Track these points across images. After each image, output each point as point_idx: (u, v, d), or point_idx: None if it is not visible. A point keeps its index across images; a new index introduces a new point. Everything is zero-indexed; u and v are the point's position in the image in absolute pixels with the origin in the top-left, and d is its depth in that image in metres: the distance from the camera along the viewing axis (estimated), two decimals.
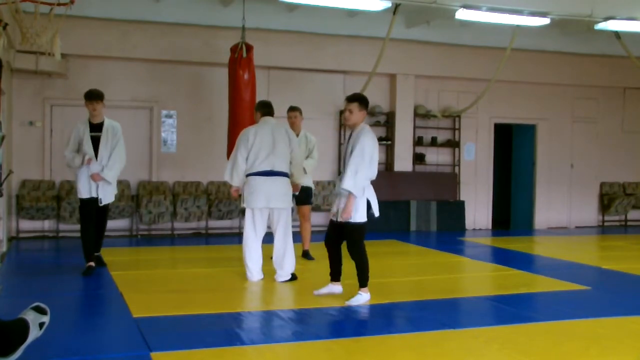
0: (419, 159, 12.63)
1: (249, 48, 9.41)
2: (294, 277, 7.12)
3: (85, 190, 7.34)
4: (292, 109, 8.48)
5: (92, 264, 7.33)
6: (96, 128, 7.45)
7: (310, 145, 8.45)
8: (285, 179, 6.98)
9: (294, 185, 7.13)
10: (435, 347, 4.77)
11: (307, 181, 8.37)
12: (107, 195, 7.46)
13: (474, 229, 13.04)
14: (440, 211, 12.49)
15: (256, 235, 7.02)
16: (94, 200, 7.35)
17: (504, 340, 4.94)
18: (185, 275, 7.47)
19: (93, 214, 7.40)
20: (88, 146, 7.31)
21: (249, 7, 9.79)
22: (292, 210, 7.56)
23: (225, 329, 5.11)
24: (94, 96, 7.40)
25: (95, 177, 7.31)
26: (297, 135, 8.38)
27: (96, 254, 7.56)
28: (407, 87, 12.41)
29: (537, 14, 9.68)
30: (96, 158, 7.28)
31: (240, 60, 9.30)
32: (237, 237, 10.80)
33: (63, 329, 4.79)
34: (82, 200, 7.38)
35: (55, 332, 4.29)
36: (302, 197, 8.37)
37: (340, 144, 12.20)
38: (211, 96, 11.16)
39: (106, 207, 7.58)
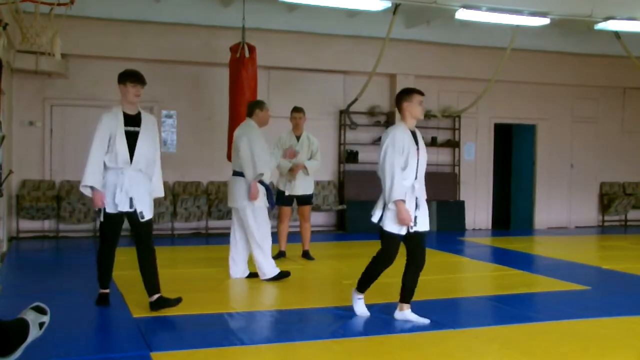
0: None
1: (252, 49, 9.41)
2: (277, 277, 6.99)
3: (112, 202, 5.57)
4: (297, 109, 8.44)
5: (108, 290, 5.89)
6: (132, 121, 5.68)
7: (313, 147, 8.41)
8: (240, 178, 6.95)
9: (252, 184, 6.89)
10: (435, 347, 4.77)
11: (308, 182, 8.37)
12: (147, 206, 5.65)
13: (474, 229, 13.03)
14: (440, 211, 12.48)
15: (234, 233, 7.13)
16: (122, 217, 5.68)
17: (504, 340, 4.94)
18: (185, 275, 7.47)
19: (118, 235, 5.80)
20: (121, 144, 5.56)
21: (249, 7, 9.79)
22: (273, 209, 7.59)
23: (225, 329, 5.11)
24: (141, 78, 5.71)
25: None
26: (299, 136, 8.38)
27: (156, 295, 5.60)
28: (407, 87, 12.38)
29: (537, 14, 9.67)
30: (131, 161, 5.56)
31: (242, 60, 9.30)
32: None
33: (63, 329, 4.79)
34: (107, 216, 5.62)
35: (55, 332, 4.29)
36: (303, 197, 8.37)
37: (340, 144, 12.21)
38: (211, 96, 11.16)
39: (149, 223, 5.68)
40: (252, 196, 6.84)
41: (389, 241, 5.41)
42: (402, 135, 5.35)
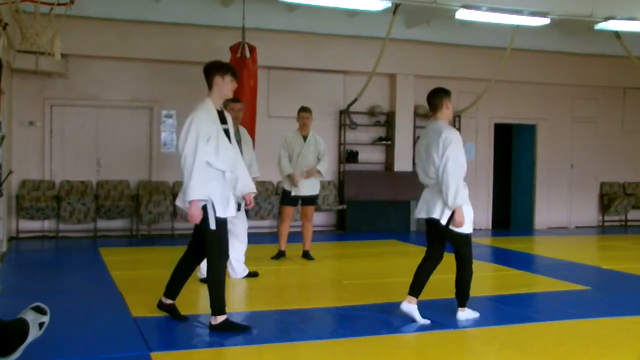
0: None
1: (252, 49, 9.39)
2: (204, 280, 6.90)
3: (227, 204, 5.01)
4: (304, 109, 8.32)
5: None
6: (222, 118, 5.16)
7: (320, 147, 8.33)
8: None
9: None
10: (435, 347, 4.77)
11: (314, 183, 8.33)
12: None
13: (474, 229, 12.97)
14: None
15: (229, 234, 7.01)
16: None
17: (504, 340, 4.94)
18: None
19: None
20: (227, 144, 5.07)
21: (249, 7, 9.79)
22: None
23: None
24: (236, 72, 5.25)
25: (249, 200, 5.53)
26: (306, 136, 8.32)
27: (170, 300, 5.34)
28: (407, 87, 12.41)
29: (537, 14, 9.66)
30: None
31: (243, 60, 9.30)
32: None
33: (63, 329, 4.78)
34: (222, 221, 5.00)
35: (55, 332, 4.29)
36: (309, 198, 8.33)
37: (340, 144, 12.21)
38: None
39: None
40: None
41: (468, 242, 5.52)
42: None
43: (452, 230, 5.39)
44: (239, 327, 5.00)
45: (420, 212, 5.59)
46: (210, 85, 5.09)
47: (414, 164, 12.50)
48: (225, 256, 5.10)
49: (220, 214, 4.94)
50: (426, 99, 5.68)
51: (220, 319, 4.97)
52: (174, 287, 5.30)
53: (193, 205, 4.85)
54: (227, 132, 5.11)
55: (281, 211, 8.61)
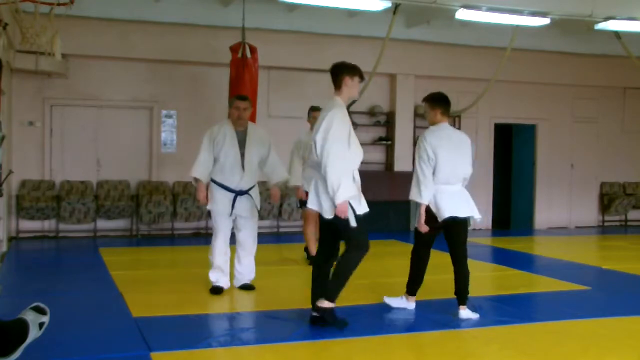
0: None
1: (253, 49, 9.39)
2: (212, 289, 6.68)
3: (362, 201, 5.33)
4: (317, 109, 7.85)
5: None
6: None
7: None
8: None
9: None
10: (435, 347, 4.77)
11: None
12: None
13: (474, 229, 12.96)
14: None
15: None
16: None
17: (504, 340, 4.94)
18: (185, 275, 7.47)
19: None
20: (356, 141, 5.33)
21: (249, 7, 9.79)
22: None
23: (225, 329, 5.11)
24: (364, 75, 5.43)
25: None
26: None
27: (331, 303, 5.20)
28: (407, 87, 12.41)
29: (537, 14, 9.66)
30: None
31: (245, 60, 9.29)
32: None
33: (63, 329, 4.79)
34: (360, 217, 5.24)
35: (55, 332, 4.28)
36: None
37: None
38: (211, 96, 11.16)
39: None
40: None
41: None
42: None
43: (468, 226, 5.68)
44: (338, 322, 5.10)
45: (453, 211, 5.57)
46: (339, 85, 5.18)
47: (414, 164, 12.49)
48: (366, 248, 5.18)
49: (358, 212, 5.10)
50: (442, 102, 5.71)
51: (327, 304, 5.09)
52: (318, 291, 5.24)
53: (344, 204, 5.01)
54: None
55: (303, 214, 8.29)
